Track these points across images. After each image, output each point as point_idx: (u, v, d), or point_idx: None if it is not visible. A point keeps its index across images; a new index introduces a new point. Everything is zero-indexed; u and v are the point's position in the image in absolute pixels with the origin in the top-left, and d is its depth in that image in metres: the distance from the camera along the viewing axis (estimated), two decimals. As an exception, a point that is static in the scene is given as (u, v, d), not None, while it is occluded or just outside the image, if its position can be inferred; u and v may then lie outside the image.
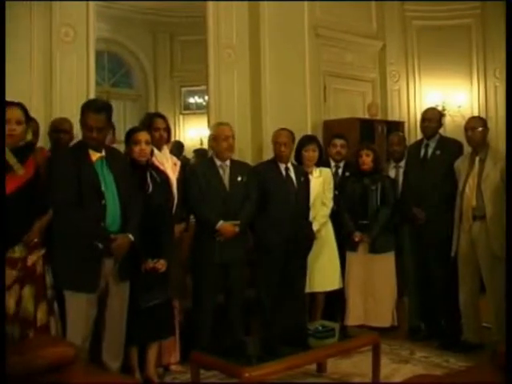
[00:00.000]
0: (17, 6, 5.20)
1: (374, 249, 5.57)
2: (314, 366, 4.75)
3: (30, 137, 4.24)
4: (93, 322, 4.09)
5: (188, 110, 11.05)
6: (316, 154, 5.61)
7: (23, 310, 4.02)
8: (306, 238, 5.39)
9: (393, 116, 8.21)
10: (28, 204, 3.99)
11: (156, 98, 10.90)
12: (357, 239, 5.57)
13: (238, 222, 4.88)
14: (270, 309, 5.22)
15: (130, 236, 4.08)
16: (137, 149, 4.44)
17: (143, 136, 4.49)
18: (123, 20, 9.87)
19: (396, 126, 7.52)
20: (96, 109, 4.11)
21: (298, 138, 5.66)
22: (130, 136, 4.51)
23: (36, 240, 4.05)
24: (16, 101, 4.14)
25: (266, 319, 5.20)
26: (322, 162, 5.78)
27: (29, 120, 4.19)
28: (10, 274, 3.95)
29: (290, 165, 5.42)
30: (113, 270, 4.10)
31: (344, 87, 7.77)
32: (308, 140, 5.70)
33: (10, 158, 4.00)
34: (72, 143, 4.91)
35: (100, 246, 3.96)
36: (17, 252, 3.98)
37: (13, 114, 4.02)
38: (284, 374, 4.15)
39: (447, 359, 5.00)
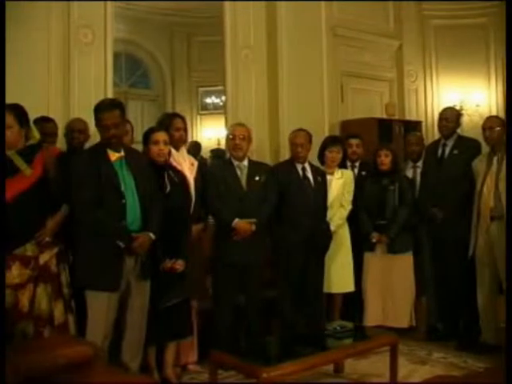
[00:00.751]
0: (35, 6, 5.24)
1: (392, 249, 5.56)
2: (331, 367, 4.74)
3: (37, 137, 4.25)
4: (113, 321, 4.11)
5: (205, 110, 11.08)
6: (339, 156, 5.62)
7: (37, 308, 4.06)
8: (324, 237, 5.39)
9: (410, 116, 8.18)
10: (38, 203, 4.03)
11: (173, 98, 10.93)
12: (374, 240, 5.56)
13: (254, 220, 4.88)
14: (288, 309, 5.22)
15: (151, 235, 4.10)
16: (155, 149, 4.46)
17: (161, 136, 4.51)
18: (140, 21, 9.90)
19: (413, 126, 7.49)
20: (108, 106, 4.16)
21: (315, 138, 5.66)
22: (148, 136, 4.53)
23: (48, 239, 4.08)
24: (13, 103, 4.13)
25: (284, 319, 5.20)
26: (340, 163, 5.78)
27: (27, 122, 4.18)
28: (23, 273, 3.99)
29: (306, 165, 5.42)
30: (134, 269, 4.11)
31: (361, 87, 7.74)
32: (332, 141, 5.70)
33: (17, 160, 4.02)
34: (87, 143, 4.98)
35: (122, 244, 3.98)
36: (29, 250, 4.02)
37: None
38: (302, 375, 4.15)
39: (465, 360, 4.98)
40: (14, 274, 3.94)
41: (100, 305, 4.03)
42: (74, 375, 3.23)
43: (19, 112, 4.11)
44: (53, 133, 4.85)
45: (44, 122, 4.69)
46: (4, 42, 4.21)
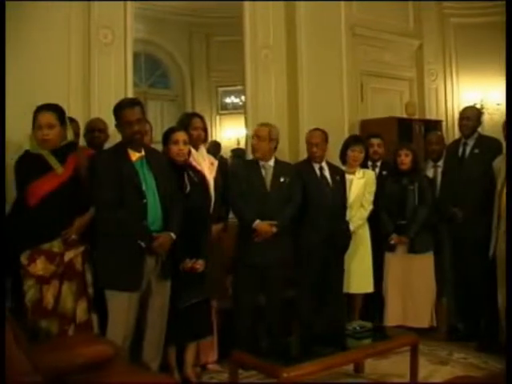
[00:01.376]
0: (55, 6, 5.28)
1: (413, 249, 5.54)
2: (351, 367, 4.74)
3: (70, 137, 4.33)
4: (134, 321, 4.12)
5: (225, 110, 11.08)
6: (362, 155, 5.62)
7: (62, 306, 4.10)
8: (343, 237, 5.38)
9: (430, 115, 8.13)
10: (68, 201, 4.09)
11: (193, 98, 10.94)
12: (393, 242, 5.54)
13: (275, 222, 4.88)
14: (308, 309, 5.21)
15: (172, 235, 4.11)
16: (175, 149, 4.48)
17: (181, 136, 4.52)
18: (160, 21, 9.92)
19: (434, 125, 7.45)
20: (129, 103, 4.20)
21: (335, 138, 5.66)
22: (168, 136, 4.55)
23: (74, 237, 4.12)
24: (53, 103, 4.24)
25: (304, 319, 5.20)
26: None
27: (66, 121, 4.27)
28: (48, 268, 4.05)
29: (324, 164, 5.42)
30: (155, 268, 4.13)
31: (381, 86, 7.70)
32: (355, 140, 5.71)
33: (50, 159, 4.12)
34: (107, 143, 5.01)
35: (143, 244, 4.00)
36: (55, 247, 4.08)
37: (43, 118, 4.15)
38: (322, 375, 4.14)
39: (486, 361, 4.95)
40: (39, 267, 4.02)
41: (121, 305, 4.04)
42: (94, 374, 3.26)
43: (60, 112, 4.22)
44: (76, 133, 4.90)
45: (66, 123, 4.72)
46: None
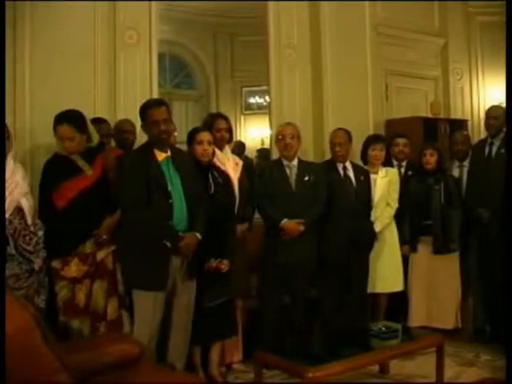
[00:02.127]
0: (80, 7, 5.32)
1: (438, 249, 5.51)
2: (376, 367, 4.73)
3: (96, 139, 4.38)
4: (160, 321, 4.14)
5: (249, 110, 11.11)
6: (383, 154, 5.60)
7: (94, 305, 4.15)
8: (367, 236, 5.37)
9: (456, 114, 8.06)
10: (97, 202, 4.13)
11: (217, 98, 10.99)
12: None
13: (303, 221, 4.88)
14: (332, 309, 5.21)
15: (198, 235, 4.13)
16: (199, 149, 4.49)
17: (205, 136, 4.54)
18: (184, 22, 9.97)
19: (459, 125, 7.39)
20: (156, 103, 4.24)
21: (360, 138, 5.65)
22: (193, 136, 4.56)
23: (105, 237, 4.17)
24: (71, 110, 4.29)
25: (328, 319, 5.19)
26: (385, 162, 5.74)
27: (87, 127, 4.31)
28: (81, 269, 4.10)
29: (348, 164, 5.41)
30: (180, 268, 4.15)
31: (406, 86, 7.65)
32: (375, 139, 5.68)
33: (79, 161, 4.18)
34: (135, 144, 5.04)
35: (168, 244, 4.02)
36: (87, 247, 4.13)
37: (63, 132, 4.22)
38: (346, 375, 4.12)
39: (514, 363, 4.90)
40: (72, 269, 4.07)
41: (146, 304, 4.07)
42: (121, 374, 3.27)
43: (78, 122, 4.26)
44: (107, 134, 4.94)
45: (99, 123, 4.77)
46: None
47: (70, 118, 4.24)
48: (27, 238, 3.88)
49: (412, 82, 7.74)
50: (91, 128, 4.45)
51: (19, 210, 3.84)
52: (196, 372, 4.49)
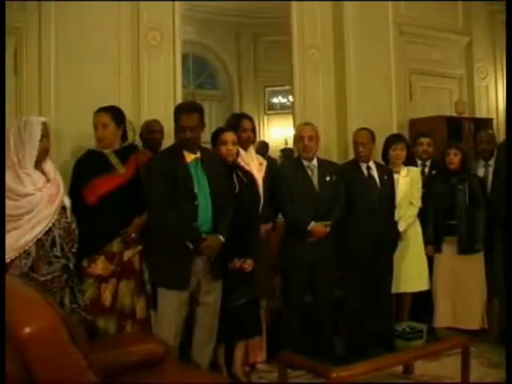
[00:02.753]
0: (105, 7, 5.36)
1: (463, 249, 5.47)
2: (400, 368, 4.71)
3: (131, 138, 4.42)
4: (184, 319, 4.18)
5: (272, 109, 11.11)
6: (404, 153, 5.57)
7: (120, 304, 4.18)
8: (391, 236, 5.35)
9: (480, 113, 8.00)
10: (128, 201, 4.16)
11: (240, 98, 11.01)
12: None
13: (329, 223, 4.88)
14: (356, 309, 5.19)
15: (221, 237, 4.15)
16: (223, 149, 4.51)
17: (230, 136, 4.55)
18: (207, 22, 10.00)
19: (484, 124, 7.33)
20: (188, 109, 4.26)
21: (383, 137, 5.63)
22: (217, 136, 4.58)
23: (134, 235, 4.19)
24: (113, 105, 4.37)
25: (352, 319, 5.18)
26: (409, 161, 5.71)
27: (124, 122, 4.36)
28: (108, 268, 4.13)
29: (371, 164, 5.40)
30: (204, 268, 4.18)
31: (430, 85, 7.60)
32: (395, 139, 5.65)
33: (113, 158, 4.21)
34: (162, 144, 5.07)
35: (191, 245, 4.05)
36: (115, 246, 4.16)
37: (98, 119, 4.29)
38: (370, 375, 4.11)
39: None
40: (99, 267, 4.10)
41: (170, 302, 4.12)
42: (146, 373, 3.29)
43: (116, 113, 4.36)
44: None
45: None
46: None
47: (107, 108, 4.35)
48: (70, 236, 3.90)
49: (436, 80, 7.69)
50: (129, 126, 4.51)
51: (63, 208, 3.85)
52: (220, 371, 4.50)
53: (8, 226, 3.61)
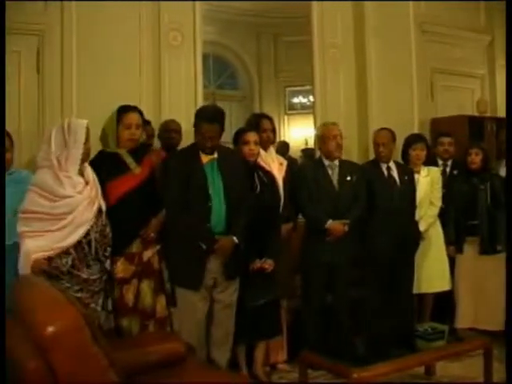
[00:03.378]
0: (126, 7, 5.39)
1: (485, 250, 5.43)
2: (422, 368, 4.67)
3: (143, 138, 4.43)
4: (203, 317, 4.22)
5: (292, 110, 11.09)
6: (424, 153, 5.55)
7: (141, 303, 4.19)
8: (412, 237, 5.33)
9: (503, 113, 7.92)
10: (144, 201, 4.16)
11: (261, 98, 11.00)
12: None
13: (348, 221, 4.87)
14: (377, 309, 5.17)
15: (234, 238, 4.17)
16: (246, 149, 4.52)
17: (252, 136, 4.56)
18: (227, 22, 9.99)
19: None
20: (210, 119, 4.23)
21: (404, 137, 5.60)
22: (239, 136, 4.59)
23: (153, 235, 4.20)
24: (133, 105, 4.34)
25: (373, 319, 5.16)
26: (430, 161, 5.69)
27: (144, 122, 4.38)
28: (128, 268, 4.14)
29: (391, 164, 5.38)
30: (219, 268, 4.20)
31: (452, 84, 7.55)
32: (415, 139, 5.63)
33: (127, 158, 4.21)
34: (181, 145, 5.08)
35: (204, 246, 4.08)
36: (134, 247, 4.17)
37: (134, 118, 4.25)
38: (392, 376, 4.08)
39: None
40: (119, 269, 4.11)
41: (188, 300, 4.18)
42: (167, 372, 3.31)
43: (142, 114, 4.34)
44: (151, 135, 4.98)
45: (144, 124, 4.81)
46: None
47: (137, 108, 4.33)
48: (105, 240, 3.89)
49: (458, 80, 7.63)
50: (144, 128, 4.53)
51: (99, 211, 3.83)
52: (240, 371, 4.51)
53: (48, 225, 3.61)
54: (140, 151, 4.30)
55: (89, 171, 3.87)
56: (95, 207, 3.78)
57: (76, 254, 3.69)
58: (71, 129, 3.73)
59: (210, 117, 4.25)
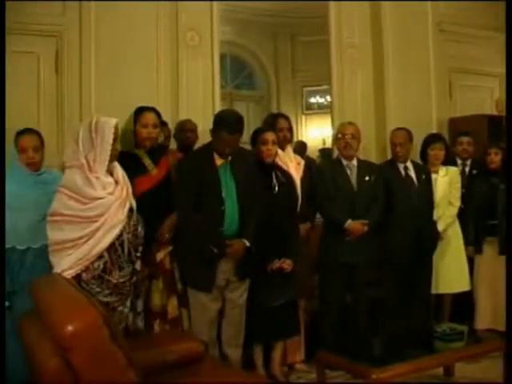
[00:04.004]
0: (143, 8, 5.41)
1: (504, 250, 5.39)
2: (440, 369, 4.64)
3: (161, 139, 4.44)
4: (216, 316, 4.25)
5: (310, 109, 11.08)
6: (442, 153, 5.52)
7: (149, 303, 4.19)
8: (430, 237, 5.31)
9: (522, 112, 7.87)
10: (159, 203, 4.16)
11: (278, 98, 11.00)
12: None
13: (367, 221, 4.86)
14: (394, 309, 5.16)
15: (246, 241, 4.17)
16: (264, 149, 4.52)
17: (270, 136, 4.55)
18: (244, 22, 10.00)
19: (527, 122, 7.22)
20: (231, 130, 4.15)
21: (423, 137, 5.58)
22: (257, 136, 4.59)
23: (167, 236, 4.20)
24: (150, 105, 4.35)
25: (390, 320, 5.15)
26: (449, 161, 5.66)
27: (161, 123, 4.39)
28: (143, 270, 4.13)
29: (409, 164, 5.37)
30: (231, 269, 4.22)
31: (470, 83, 7.50)
32: (434, 138, 5.61)
33: (145, 159, 4.21)
34: (198, 144, 5.09)
35: (215, 250, 4.09)
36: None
37: (151, 118, 4.25)
38: (410, 377, 4.07)
39: None
40: None
41: (200, 301, 4.20)
42: (185, 372, 3.32)
43: (159, 113, 4.35)
44: (168, 136, 4.99)
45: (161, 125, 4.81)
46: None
47: (154, 109, 4.32)
48: (137, 240, 3.78)
49: (476, 79, 7.58)
50: (162, 128, 4.54)
51: (130, 211, 3.67)
52: (258, 371, 4.51)
53: (80, 229, 3.46)
54: (157, 152, 4.30)
55: (118, 170, 3.68)
56: (127, 207, 3.61)
57: (109, 257, 3.55)
58: (98, 127, 3.52)
59: (231, 129, 4.15)
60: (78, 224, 3.44)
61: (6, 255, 3.84)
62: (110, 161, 3.58)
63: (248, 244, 4.18)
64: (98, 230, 3.45)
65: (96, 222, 3.45)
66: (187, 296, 4.31)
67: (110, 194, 3.54)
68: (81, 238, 3.44)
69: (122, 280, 3.62)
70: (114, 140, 3.56)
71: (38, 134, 4.13)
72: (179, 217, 4.23)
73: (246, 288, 4.35)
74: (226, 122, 4.19)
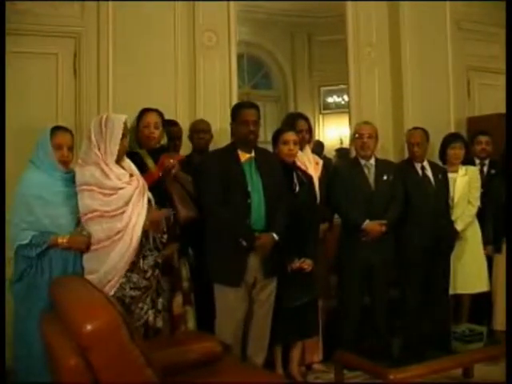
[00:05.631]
0: (161, 8, 5.44)
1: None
2: (459, 371, 4.62)
3: (164, 141, 4.45)
4: (243, 315, 4.23)
5: (327, 109, 11.05)
6: (462, 152, 5.50)
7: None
8: (448, 237, 5.28)
9: (542, 111, 7.80)
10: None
11: (295, 98, 10.97)
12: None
13: (385, 222, 4.84)
14: (413, 310, 5.14)
15: (274, 235, 4.16)
16: (285, 149, 4.53)
17: (292, 136, 4.57)
18: (261, 22, 9.98)
19: (546, 121, 7.15)
20: (247, 105, 4.36)
21: (441, 136, 5.55)
22: (278, 136, 4.60)
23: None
24: (153, 107, 4.39)
25: (409, 320, 5.13)
26: (467, 160, 5.63)
27: (164, 125, 4.40)
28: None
29: (425, 163, 5.36)
30: (260, 266, 4.21)
31: (489, 82, 7.44)
32: (453, 138, 5.59)
33: (148, 159, 4.24)
34: (214, 144, 5.09)
35: (244, 243, 4.08)
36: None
37: (152, 118, 4.31)
38: (428, 378, 4.06)
39: None
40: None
41: (227, 299, 4.18)
42: (204, 371, 3.33)
43: (162, 116, 4.40)
44: (179, 136, 5.01)
45: (171, 125, 4.81)
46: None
47: (157, 110, 4.38)
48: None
49: (495, 77, 7.50)
50: (164, 130, 4.54)
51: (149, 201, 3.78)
52: (276, 370, 4.52)
53: (117, 221, 3.60)
54: (158, 152, 4.32)
55: (130, 164, 3.85)
56: (146, 197, 3.75)
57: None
58: (108, 123, 3.70)
59: (247, 104, 4.41)
60: (112, 218, 3.60)
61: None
62: (119, 157, 3.74)
63: (276, 238, 4.18)
64: (130, 219, 3.61)
65: (124, 212, 3.60)
66: (192, 294, 4.34)
67: (128, 183, 3.70)
68: (119, 231, 3.59)
69: (146, 267, 3.75)
70: (123, 136, 3.73)
71: (71, 133, 4.15)
72: (206, 213, 4.26)
73: (273, 289, 4.34)
74: (241, 103, 4.54)
